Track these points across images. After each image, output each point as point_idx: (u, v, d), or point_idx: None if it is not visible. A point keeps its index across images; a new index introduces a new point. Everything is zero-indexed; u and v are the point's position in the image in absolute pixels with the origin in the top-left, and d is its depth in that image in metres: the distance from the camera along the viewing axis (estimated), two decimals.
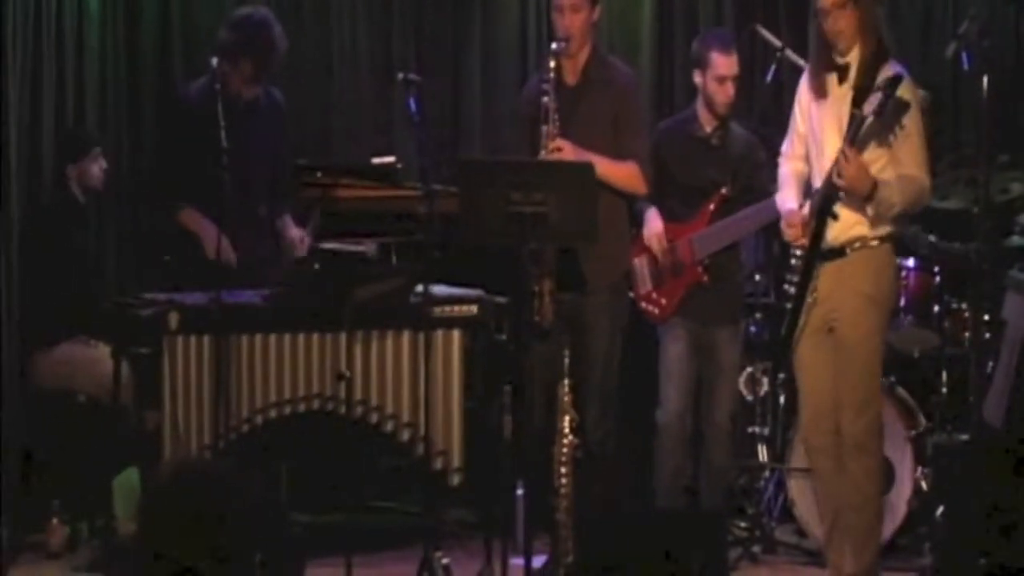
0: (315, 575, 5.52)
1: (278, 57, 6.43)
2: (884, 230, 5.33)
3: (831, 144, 5.28)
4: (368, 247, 6.33)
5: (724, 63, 6.08)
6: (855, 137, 5.17)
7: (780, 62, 6.50)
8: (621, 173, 5.85)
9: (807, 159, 5.49)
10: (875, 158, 5.25)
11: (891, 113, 5.16)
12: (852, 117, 5.20)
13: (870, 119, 5.14)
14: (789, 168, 5.56)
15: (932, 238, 6.28)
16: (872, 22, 5.29)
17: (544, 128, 5.72)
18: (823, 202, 5.28)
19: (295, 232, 6.46)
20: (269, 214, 6.52)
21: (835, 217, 5.27)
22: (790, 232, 5.40)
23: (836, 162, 5.18)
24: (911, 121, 5.24)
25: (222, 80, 5.92)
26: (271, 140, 6.49)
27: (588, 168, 5.47)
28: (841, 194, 5.24)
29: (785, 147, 5.61)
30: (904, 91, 5.17)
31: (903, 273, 6.29)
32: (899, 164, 5.26)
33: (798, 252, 5.42)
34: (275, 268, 6.36)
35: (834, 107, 5.34)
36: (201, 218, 6.37)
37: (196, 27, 7.08)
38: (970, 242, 6.11)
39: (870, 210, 5.25)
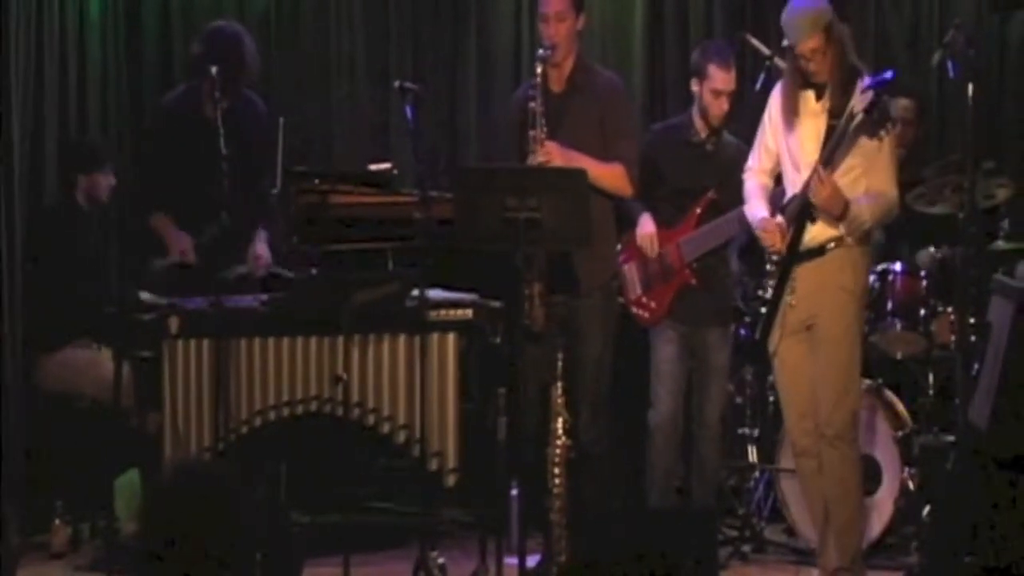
0: (313, 574, 5.60)
1: (248, 73, 6.43)
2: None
3: (811, 157, 5.39)
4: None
5: (721, 78, 6.14)
6: (832, 155, 5.29)
7: (769, 70, 6.55)
8: (607, 174, 5.90)
9: (772, 174, 5.63)
10: (853, 165, 5.36)
11: (880, 112, 5.28)
12: (829, 131, 5.32)
13: (860, 116, 5.25)
14: (756, 182, 5.68)
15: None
16: (845, 51, 5.40)
17: (532, 133, 5.80)
18: (802, 208, 5.39)
19: (260, 250, 6.47)
20: (246, 224, 6.48)
21: (813, 220, 5.40)
22: (767, 239, 5.50)
23: (808, 182, 5.31)
24: (887, 138, 5.35)
25: (196, 93, 5.95)
26: (248, 150, 6.44)
27: (581, 174, 5.55)
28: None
29: (751, 161, 5.71)
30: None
31: (890, 277, 6.37)
32: (870, 178, 5.38)
33: (774, 257, 5.52)
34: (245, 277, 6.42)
35: (812, 122, 5.44)
36: (169, 223, 6.42)
37: (197, 34, 7.14)
38: (956, 247, 6.20)
39: (843, 228, 5.37)
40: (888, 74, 5.30)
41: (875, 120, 5.30)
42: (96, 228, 6.75)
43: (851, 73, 5.38)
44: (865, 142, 5.35)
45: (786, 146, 5.54)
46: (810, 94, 5.47)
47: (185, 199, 6.36)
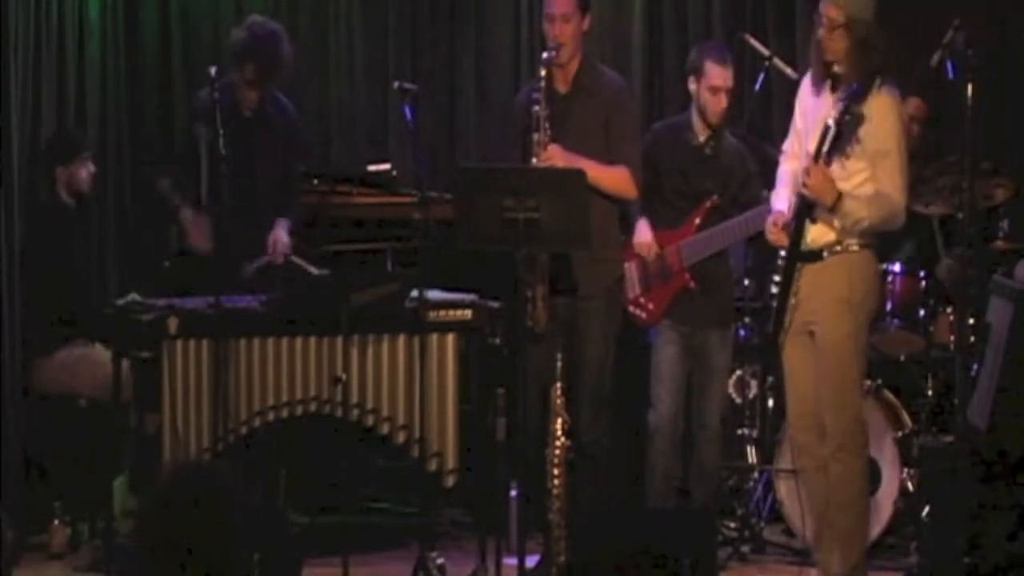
0: (313, 574, 5.60)
1: (281, 69, 6.45)
2: (863, 237, 5.39)
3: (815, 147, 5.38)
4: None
5: (718, 74, 6.12)
6: (820, 148, 5.28)
7: (768, 71, 6.57)
8: (612, 177, 5.91)
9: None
10: (860, 168, 5.33)
11: (851, 124, 5.26)
12: (824, 128, 5.31)
13: (833, 129, 5.25)
14: (787, 167, 5.62)
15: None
16: (866, 50, 5.34)
17: (535, 136, 5.80)
18: (800, 205, 5.38)
19: (280, 235, 6.43)
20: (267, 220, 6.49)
21: (812, 220, 5.37)
22: (772, 234, 5.49)
23: (804, 172, 5.30)
24: (890, 139, 5.29)
25: (229, 88, 5.98)
26: (277, 149, 6.50)
27: (580, 175, 5.55)
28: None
29: (786, 145, 5.65)
30: (878, 104, 5.27)
31: (889, 278, 6.37)
32: (877, 181, 5.34)
33: (783, 253, 5.51)
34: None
35: (823, 112, 5.42)
36: (179, 195, 6.43)
37: (195, 38, 7.16)
38: (955, 248, 6.21)
39: (836, 222, 5.32)
40: (853, 87, 5.28)
41: (846, 133, 5.28)
42: (84, 225, 6.73)
43: (872, 69, 5.32)
44: (870, 146, 5.31)
45: (806, 129, 5.49)
46: (828, 83, 5.42)
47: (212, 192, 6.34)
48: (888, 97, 5.32)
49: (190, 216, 6.41)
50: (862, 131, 5.26)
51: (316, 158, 6.99)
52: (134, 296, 5.88)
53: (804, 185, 5.29)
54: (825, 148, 5.26)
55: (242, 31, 6.43)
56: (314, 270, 6.36)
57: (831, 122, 5.22)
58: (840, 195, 5.26)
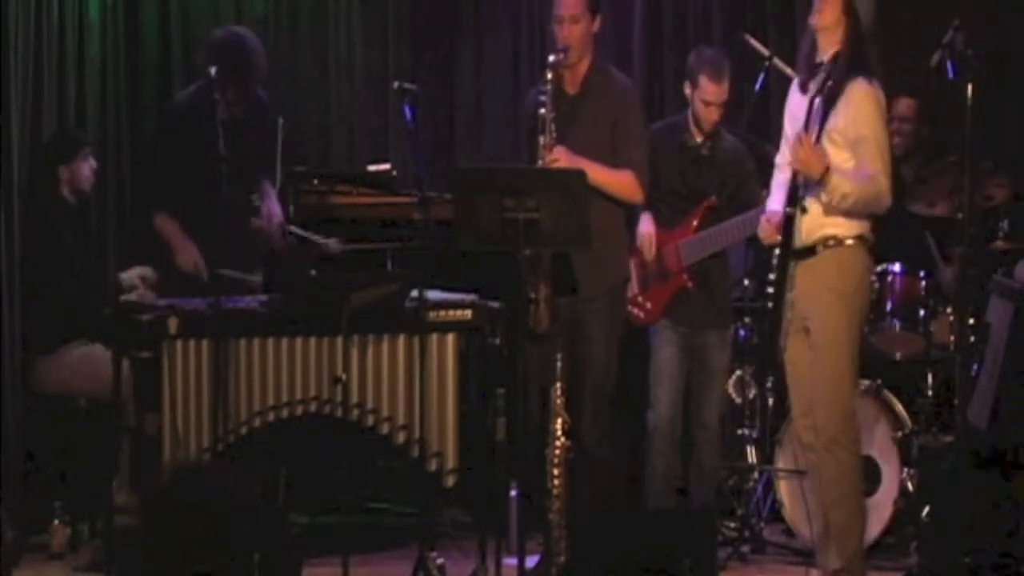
0: (313, 575, 5.60)
1: (258, 76, 6.43)
2: (855, 230, 5.40)
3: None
4: (332, 243, 6.43)
5: (712, 91, 6.14)
6: (808, 121, 5.30)
7: (768, 71, 6.57)
8: (617, 181, 5.90)
9: None
10: (842, 160, 5.33)
11: (831, 94, 5.28)
12: (809, 103, 5.33)
13: (817, 101, 5.27)
14: (782, 177, 5.65)
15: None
16: (855, 27, 5.38)
17: (541, 138, 5.79)
18: (790, 195, 5.39)
19: (272, 207, 6.45)
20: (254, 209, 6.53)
21: (803, 210, 5.37)
22: (764, 232, 5.50)
23: (793, 145, 5.32)
24: (867, 126, 5.32)
25: (206, 91, 5.98)
26: (260, 150, 6.50)
27: (580, 175, 5.54)
28: (804, 192, 5.36)
29: (778, 157, 5.67)
30: (856, 92, 5.30)
31: (889, 278, 6.38)
32: (859, 167, 5.36)
33: (777, 252, 5.52)
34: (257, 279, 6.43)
35: (804, 105, 5.44)
36: (176, 228, 6.44)
37: (195, 38, 7.14)
38: (955, 248, 6.20)
39: (824, 196, 5.32)
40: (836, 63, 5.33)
41: (828, 100, 5.32)
42: (86, 224, 6.73)
43: (853, 57, 5.33)
44: (851, 133, 5.32)
45: (790, 135, 5.51)
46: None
47: (191, 198, 6.35)
48: (867, 86, 5.35)
49: (178, 235, 6.43)
50: (843, 120, 5.29)
51: (296, 152, 6.96)
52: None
53: (793, 160, 5.31)
54: (809, 120, 5.29)
55: (210, 54, 6.33)
56: (317, 238, 6.38)
57: (811, 91, 5.26)
58: (828, 167, 5.27)
